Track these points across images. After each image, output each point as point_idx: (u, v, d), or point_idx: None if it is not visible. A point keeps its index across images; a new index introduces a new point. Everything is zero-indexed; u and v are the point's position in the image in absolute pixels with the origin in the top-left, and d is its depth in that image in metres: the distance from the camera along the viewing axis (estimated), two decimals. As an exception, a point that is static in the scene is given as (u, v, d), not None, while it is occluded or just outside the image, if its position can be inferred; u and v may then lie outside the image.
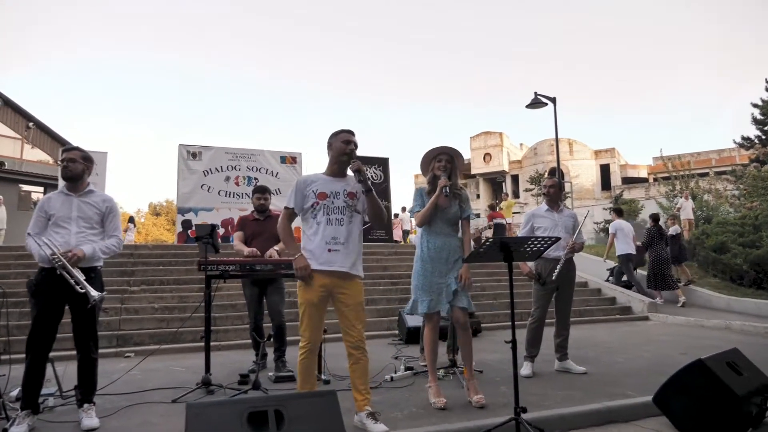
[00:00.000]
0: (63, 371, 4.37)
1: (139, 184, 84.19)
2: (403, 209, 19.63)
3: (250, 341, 5.78)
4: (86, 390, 3.73)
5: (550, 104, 14.77)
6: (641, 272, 11.05)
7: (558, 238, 3.76)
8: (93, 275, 3.74)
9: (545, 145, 40.20)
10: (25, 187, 18.89)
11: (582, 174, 40.37)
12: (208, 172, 12.02)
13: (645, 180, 38.54)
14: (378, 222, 3.73)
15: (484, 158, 43.58)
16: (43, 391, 4.17)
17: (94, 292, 3.45)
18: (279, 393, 3.92)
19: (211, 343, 6.80)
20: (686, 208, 14.34)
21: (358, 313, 3.53)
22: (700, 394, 3.44)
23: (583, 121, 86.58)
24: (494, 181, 43.47)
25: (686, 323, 8.87)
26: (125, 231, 19.09)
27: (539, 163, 39.97)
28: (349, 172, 3.64)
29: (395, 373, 5.01)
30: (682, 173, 20.81)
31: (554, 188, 5.34)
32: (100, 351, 6.40)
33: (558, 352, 5.21)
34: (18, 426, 3.43)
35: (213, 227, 4.67)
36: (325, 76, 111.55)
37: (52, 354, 4.16)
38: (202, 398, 4.26)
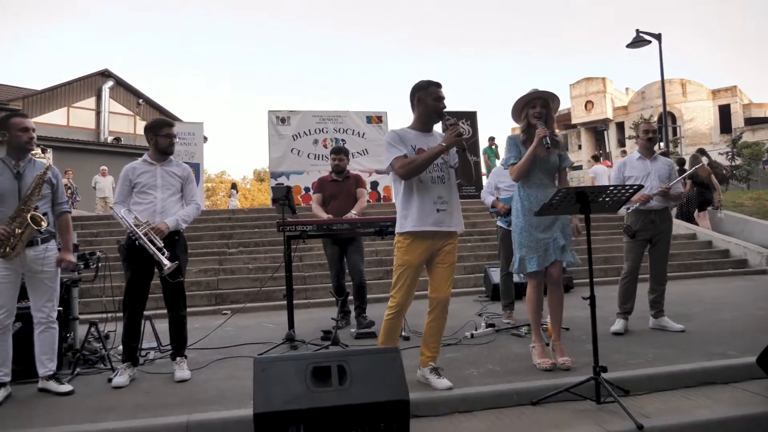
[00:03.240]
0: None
1: (243, 151, 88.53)
2: None
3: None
4: (178, 345, 4.02)
5: (655, 42, 13.52)
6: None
7: (641, 186, 3.44)
8: (177, 237, 4.00)
9: (654, 88, 36.99)
10: (140, 160, 20.46)
11: (697, 117, 37.00)
12: (297, 136, 12.34)
13: (774, 120, 34.61)
14: (467, 180, 3.51)
15: (585, 106, 41.06)
16: (145, 345, 4.58)
17: (165, 262, 3.68)
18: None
19: (301, 301, 7.17)
20: None
21: (451, 273, 3.46)
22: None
23: (699, 60, 78.77)
24: (596, 130, 40.99)
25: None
26: (229, 197, 20.26)
27: (647, 107, 37.04)
28: (436, 128, 3.49)
29: (476, 330, 4.94)
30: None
31: (655, 133, 4.87)
32: (200, 309, 7.00)
33: (652, 308, 4.87)
34: (119, 376, 3.77)
35: (288, 189, 4.78)
36: (405, 29, 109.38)
37: (150, 312, 4.56)
38: (273, 353, 4.43)
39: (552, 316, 3.95)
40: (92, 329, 4.30)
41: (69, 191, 14.84)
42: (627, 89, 42.84)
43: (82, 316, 4.77)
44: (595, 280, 7.80)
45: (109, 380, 3.78)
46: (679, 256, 9.03)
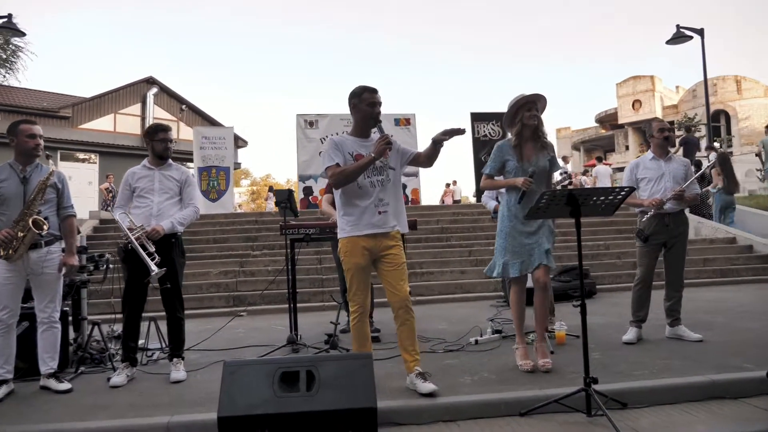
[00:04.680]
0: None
1: (288, 154, 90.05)
2: (454, 182, 22.20)
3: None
4: (175, 346, 4.07)
5: (700, 37, 12.93)
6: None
7: (633, 189, 3.27)
8: (174, 240, 4.03)
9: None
10: (183, 165, 21.04)
11: (753, 115, 35.29)
12: (325, 140, 12.39)
13: (837, 116, 32.64)
14: (428, 165, 3.59)
15: (632, 105, 39.89)
16: (151, 345, 4.68)
17: (153, 268, 3.71)
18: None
19: (317, 303, 7.20)
20: None
21: (402, 273, 3.45)
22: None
23: (757, 55, 75.01)
24: (642, 130, 39.64)
25: None
26: (266, 200, 20.57)
27: (699, 106, 35.54)
28: (373, 133, 3.45)
29: (481, 336, 4.82)
30: None
31: (671, 131, 4.67)
32: (217, 310, 7.11)
33: (669, 317, 4.62)
34: (117, 376, 3.85)
35: (290, 192, 4.79)
36: (438, 32, 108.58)
37: (155, 314, 4.65)
38: (273, 356, 4.43)
39: (537, 317, 3.89)
40: (95, 329, 4.40)
41: (110, 194, 15.44)
42: (677, 87, 41.33)
43: (95, 317, 4.92)
44: (623, 285, 7.62)
45: (109, 379, 3.87)
46: (714, 261, 8.59)
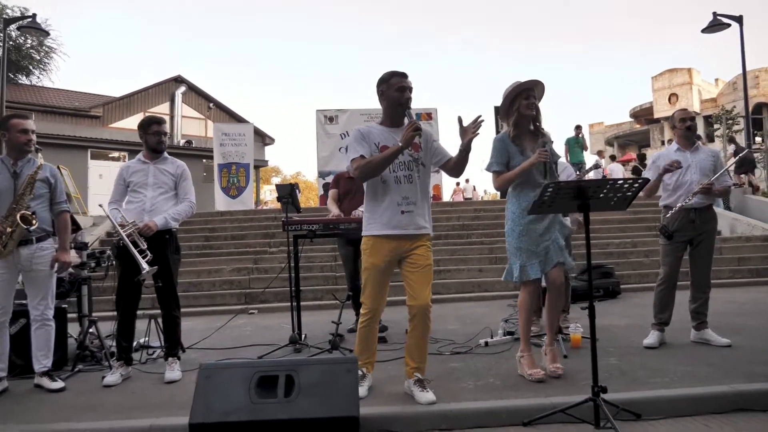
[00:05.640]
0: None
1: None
2: (467, 180, 22.32)
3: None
4: (170, 345, 3.96)
5: (736, 26, 12.31)
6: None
7: (647, 180, 3.00)
8: (168, 236, 3.91)
9: (748, 78, 34.16)
10: (209, 162, 21.17)
11: (797, 108, 33.76)
12: (345, 135, 12.18)
13: None
14: (455, 174, 3.39)
15: (669, 99, 38.62)
16: (153, 343, 4.59)
17: (144, 266, 3.58)
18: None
19: (329, 302, 7.05)
20: None
21: (425, 276, 3.18)
22: None
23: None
24: (679, 125, 38.27)
25: None
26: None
27: (740, 99, 34.10)
28: (405, 121, 3.21)
29: (491, 337, 4.59)
30: None
31: (693, 121, 4.35)
32: (229, 307, 7.02)
33: (694, 320, 4.29)
34: (111, 375, 3.76)
35: (292, 187, 4.64)
36: (466, 24, 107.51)
37: (156, 312, 4.56)
38: (274, 356, 4.28)
39: (549, 319, 3.65)
40: (91, 327, 4.33)
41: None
42: (716, 80, 39.87)
43: (100, 314, 4.88)
44: (650, 285, 7.25)
45: (103, 378, 3.78)
46: (750, 260, 8.11)
